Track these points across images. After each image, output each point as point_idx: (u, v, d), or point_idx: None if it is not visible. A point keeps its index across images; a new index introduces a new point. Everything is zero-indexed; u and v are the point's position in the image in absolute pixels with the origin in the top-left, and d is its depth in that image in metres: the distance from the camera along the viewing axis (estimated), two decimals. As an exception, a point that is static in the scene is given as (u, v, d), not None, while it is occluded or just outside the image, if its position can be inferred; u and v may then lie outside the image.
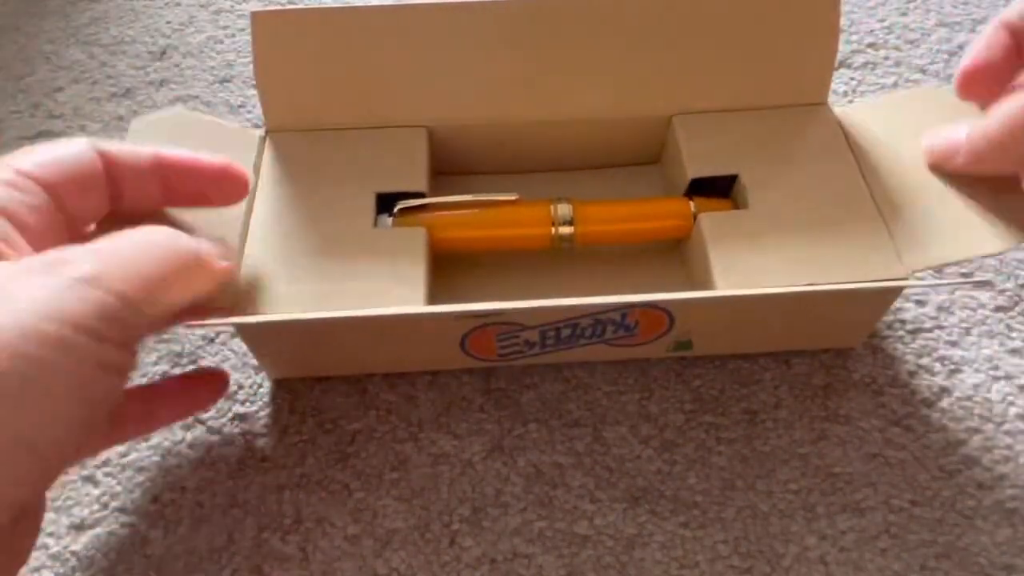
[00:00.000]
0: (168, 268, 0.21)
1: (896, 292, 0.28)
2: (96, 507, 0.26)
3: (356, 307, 0.25)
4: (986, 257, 0.24)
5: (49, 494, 0.26)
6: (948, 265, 0.25)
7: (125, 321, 0.19)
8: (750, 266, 0.26)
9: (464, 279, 0.30)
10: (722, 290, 0.25)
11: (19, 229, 0.20)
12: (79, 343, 0.18)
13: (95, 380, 0.18)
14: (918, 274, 0.25)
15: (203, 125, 0.30)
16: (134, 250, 0.20)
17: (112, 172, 0.23)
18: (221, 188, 0.25)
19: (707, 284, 0.27)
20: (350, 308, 0.25)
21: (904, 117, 0.29)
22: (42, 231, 0.21)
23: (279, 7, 0.41)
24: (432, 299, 0.27)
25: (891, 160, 0.28)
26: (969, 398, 0.28)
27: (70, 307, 0.18)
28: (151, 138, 0.27)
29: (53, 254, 0.19)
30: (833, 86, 0.31)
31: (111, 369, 0.19)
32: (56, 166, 0.22)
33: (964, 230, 0.25)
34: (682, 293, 0.26)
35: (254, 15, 0.28)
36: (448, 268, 0.30)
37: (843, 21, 0.40)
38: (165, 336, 0.30)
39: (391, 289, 0.26)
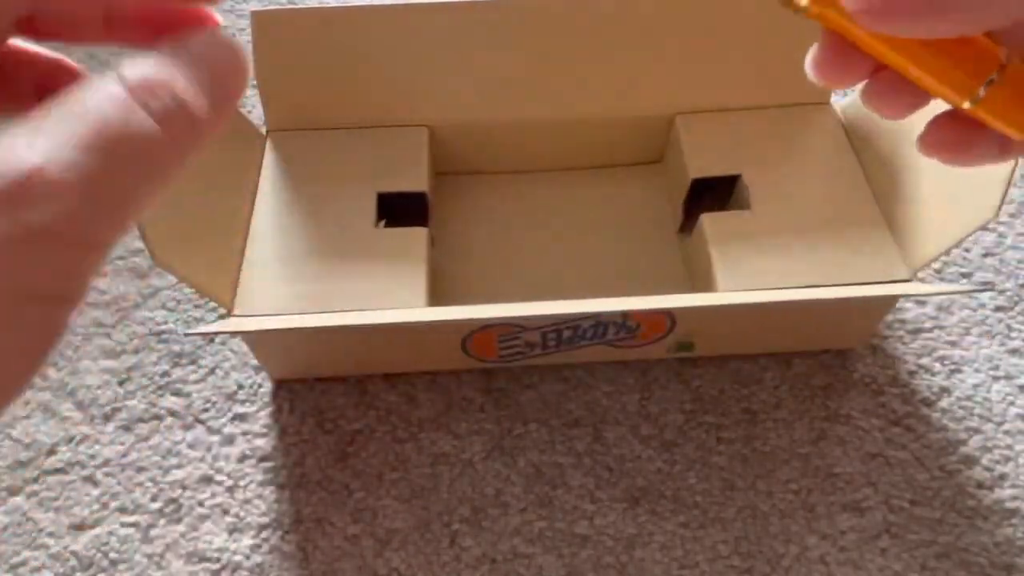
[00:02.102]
0: (143, 179, 0.14)
1: (896, 297, 0.28)
2: (96, 507, 0.26)
3: (357, 307, 0.25)
4: (975, 232, 0.24)
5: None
6: (947, 252, 0.25)
7: (85, 268, 0.14)
8: (752, 267, 0.26)
9: (465, 279, 0.30)
10: (719, 294, 0.25)
11: None
12: (25, 312, 0.12)
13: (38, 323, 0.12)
14: (920, 274, 0.25)
15: None
16: (96, 150, 0.12)
17: None
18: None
19: (709, 284, 0.27)
20: (351, 308, 0.25)
21: None
22: None
23: (279, 7, 0.41)
24: (433, 299, 0.27)
25: (891, 152, 0.28)
26: (969, 398, 0.28)
27: (21, 275, 0.13)
28: None
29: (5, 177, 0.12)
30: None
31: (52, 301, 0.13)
32: None
33: (956, 211, 0.25)
34: (683, 297, 0.25)
35: (254, 15, 0.28)
36: (449, 269, 0.30)
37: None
38: (164, 336, 0.30)
39: (392, 290, 0.26)
